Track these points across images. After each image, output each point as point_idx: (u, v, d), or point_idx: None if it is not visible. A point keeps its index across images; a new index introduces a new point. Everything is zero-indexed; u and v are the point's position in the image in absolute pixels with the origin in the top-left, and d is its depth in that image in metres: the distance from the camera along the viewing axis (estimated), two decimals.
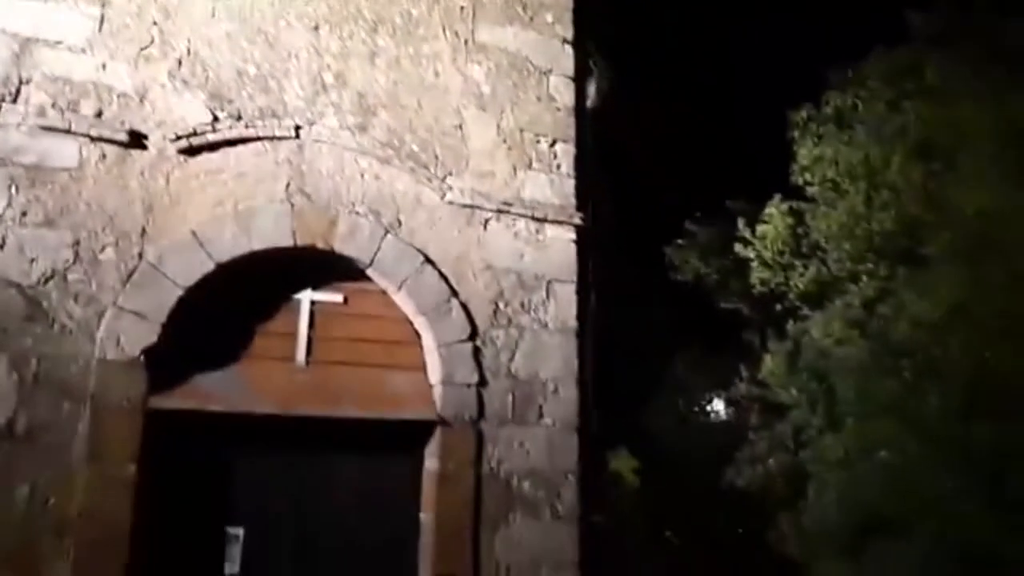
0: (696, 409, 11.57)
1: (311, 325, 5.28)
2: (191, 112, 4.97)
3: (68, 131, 4.59)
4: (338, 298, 5.41)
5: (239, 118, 5.11)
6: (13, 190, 4.45)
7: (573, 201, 6.19)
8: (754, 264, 8.22)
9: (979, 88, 7.93)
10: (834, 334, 7.58)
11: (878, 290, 7.72)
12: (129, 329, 4.56)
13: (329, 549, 5.03)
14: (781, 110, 9.89)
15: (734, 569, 9.04)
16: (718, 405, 11.34)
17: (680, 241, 11.68)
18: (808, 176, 8.76)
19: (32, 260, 4.42)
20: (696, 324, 11.46)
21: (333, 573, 5.00)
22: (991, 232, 6.87)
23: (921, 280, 7.30)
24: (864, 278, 7.86)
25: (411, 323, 5.57)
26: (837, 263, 8.02)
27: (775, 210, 8.30)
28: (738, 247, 8.47)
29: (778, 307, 8.47)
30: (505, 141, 6.03)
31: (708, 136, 12.15)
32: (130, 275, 4.64)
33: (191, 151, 4.92)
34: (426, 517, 5.28)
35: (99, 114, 4.71)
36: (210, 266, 4.85)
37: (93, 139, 4.66)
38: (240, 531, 4.85)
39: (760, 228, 8.33)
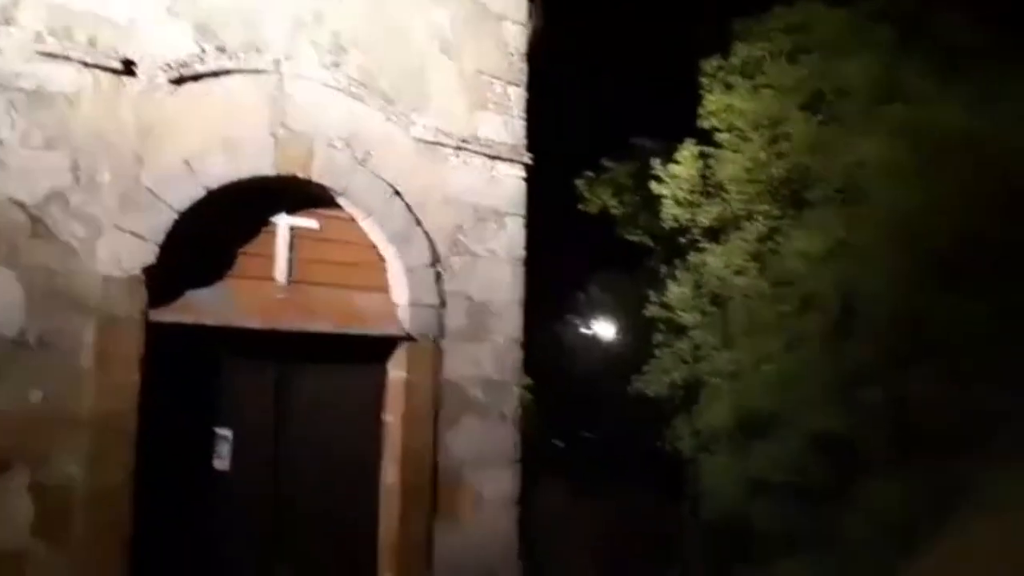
0: (598, 331, 12.45)
1: (290, 248, 5.61)
2: (179, 43, 5.02)
3: (65, 57, 4.62)
4: (313, 224, 5.71)
5: (223, 51, 5.24)
6: (14, 114, 4.48)
7: (523, 141, 6.65)
8: (667, 201, 8.93)
9: (864, 45, 8.77)
10: (731, 265, 8.45)
11: (770, 228, 8.58)
12: (129, 248, 4.76)
13: (307, 446, 5.50)
14: (692, 58, 10.50)
15: (631, 469, 10.12)
16: (608, 327, 12.21)
17: (590, 174, 12.24)
18: (715, 122, 9.41)
19: (35, 181, 4.53)
20: (603, 254, 12.22)
21: (311, 468, 5.49)
22: (867, 179, 7.80)
23: (806, 220, 8.20)
24: (759, 217, 8.70)
25: (376, 248, 5.98)
26: (737, 203, 8.82)
27: (687, 153, 8.98)
28: (653, 185, 9.14)
29: (682, 240, 9.26)
30: (464, 83, 6.38)
31: (621, 79, 12.64)
32: (128, 198, 4.81)
33: (180, 81, 5.04)
34: (392, 419, 5.82)
35: (93, 41, 4.75)
36: (201, 192, 5.04)
37: (88, 65, 4.69)
38: (229, 432, 5.25)
39: (673, 168, 9.01)
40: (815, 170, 8.40)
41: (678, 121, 9.96)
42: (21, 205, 4.47)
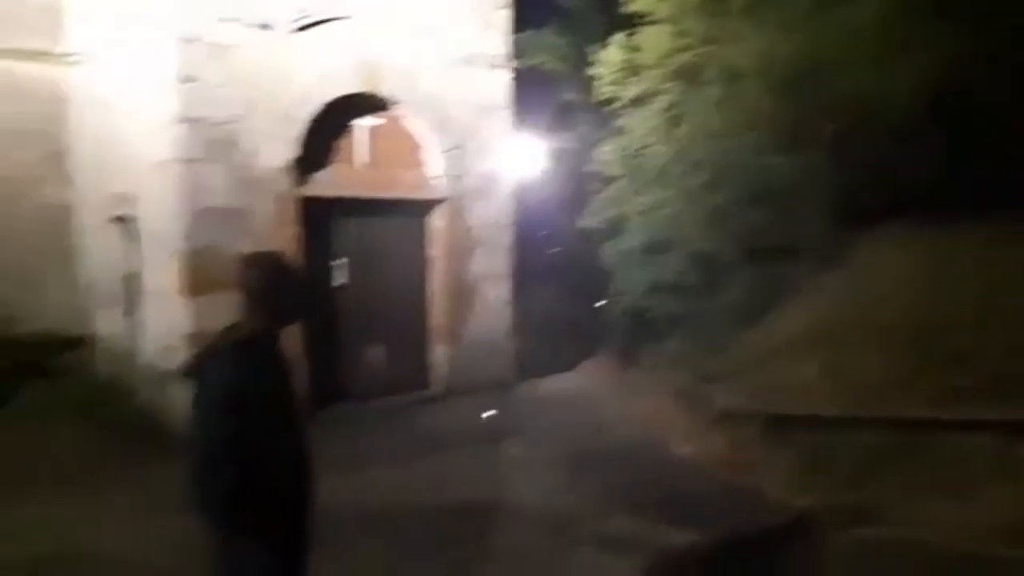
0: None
1: (369, 140, 8.01)
2: (290, 4, 7.10)
3: (231, 19, 6.71)
4: (380, 122, 8.12)
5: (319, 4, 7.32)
6: (208, 60, 6.64)
7: (512, 50, 9.02)
8: (602, 81, 11.35)
9: None
10: (644, 131, 11.16)
11: (672, 103, 11.22)
12: (281, 149, 7.15)
13: (386, 268, 8.23)
14: None
15: (577, 278, 13.21)
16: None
17: (531, 31, 14.09)
18: (635, 9, 11.60)
19: (225, 107, 6.76)
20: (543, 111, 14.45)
21: (389, 282, 8.23)
22: (745, 68, 10.47)
23: (696, 100, 10.88)
24: (665, 94, 11.30)
25: (418, 138, 8.45)
26: (649, 83, 11.34)
27: (616, 44, 11.32)
28: (593, 69, 11.45)
29: (611, 108, 11.76)
30: (475, 11, 8.57)
31: None
32: (277, 115, 7.12)
33: (298, 31, 7.20)
34: (435, 251, 8.60)
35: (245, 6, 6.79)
36: (319, 108, 7.39)
37: (244, 24, 6.84)
38: (344, 260, 7.95)
39: (605, 54, 11.36)
40: (705, 59, 10.88)
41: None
42: (220, 124, 6.79)
